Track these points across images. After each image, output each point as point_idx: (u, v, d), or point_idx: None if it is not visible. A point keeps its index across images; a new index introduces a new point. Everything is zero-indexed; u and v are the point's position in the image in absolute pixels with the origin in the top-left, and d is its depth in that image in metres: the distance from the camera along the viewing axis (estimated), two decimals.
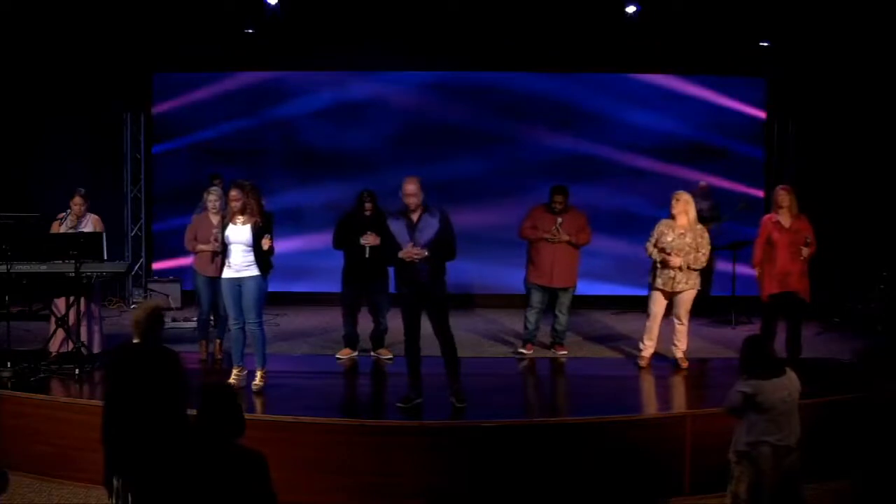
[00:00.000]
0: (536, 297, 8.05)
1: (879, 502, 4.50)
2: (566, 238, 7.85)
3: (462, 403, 6.25)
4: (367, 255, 7.61)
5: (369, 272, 7.71)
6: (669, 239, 7.35)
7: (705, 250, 7.42)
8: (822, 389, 6.47)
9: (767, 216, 7.50)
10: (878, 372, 4.52)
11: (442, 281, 6.32)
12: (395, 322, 8.10)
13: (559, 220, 7.87)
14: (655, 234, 7.45)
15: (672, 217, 7.44)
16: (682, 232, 7.37)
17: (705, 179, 10.03)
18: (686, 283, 7.40)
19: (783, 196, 7.34)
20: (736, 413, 4.90)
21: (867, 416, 5.24)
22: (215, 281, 7.31)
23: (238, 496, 3.63)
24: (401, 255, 6.17)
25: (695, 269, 7.40)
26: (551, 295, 8.09)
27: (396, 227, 6.26)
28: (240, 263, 6.56)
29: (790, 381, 4.86)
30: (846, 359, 7.77)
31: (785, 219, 7.30)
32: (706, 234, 7.50)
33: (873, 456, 4.50)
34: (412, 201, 6.22)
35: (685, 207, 7.42)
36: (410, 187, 6.22)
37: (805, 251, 7.17)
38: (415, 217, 6.24)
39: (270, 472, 3.80)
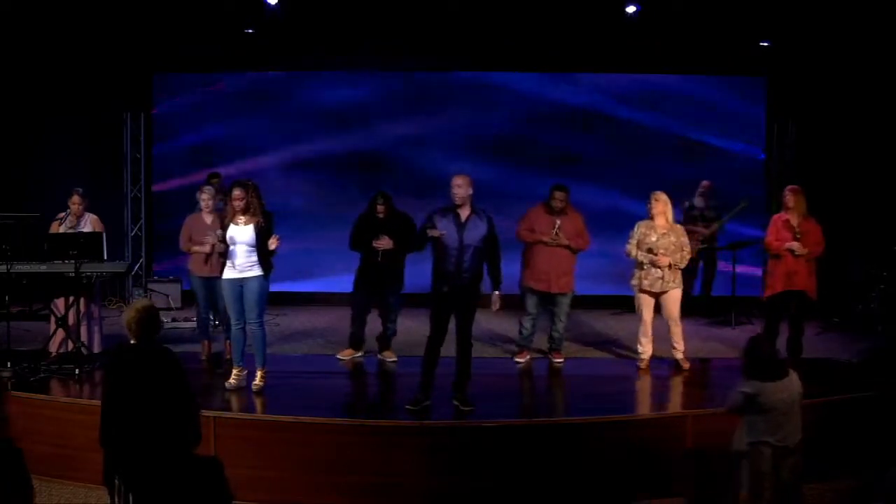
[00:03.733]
0: (532, 303, 7.87)
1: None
2: (565, 242, 7.64)
3: (467, 408, 6.21)
4: (379, 259, 7.59)
5: (383, 275, 7.69)
6: (654, 239, 7.37)
7: (688, 249, 7.51)
8: (822, 389, 6.48)
9: (777, 215, 7.51)
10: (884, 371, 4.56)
11: (479, 287, 6.32)
12: (402, 326, 8.10)
13: (558, 223, 7.64)
14: (636, 235, 7.46)
15: (651, 217, 7.46)
16: (665, 232, 7.40)
17: (707, 180, 10.03)
18: (673, 281, 7.43)
19: (789, 197, 7.36)
20: (737, 413, 4.91)
21: (880, 415, 5.24)
22: (210, 281, 7.32)
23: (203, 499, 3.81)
24: (430, 233, 6.17)
25: (679, 268, 7.45)
26: (548, 300, 7.88)
27: (443, 224, 6.21)
28: (243, 264, 6.54)
29: (791, 383, 4.87)
30: (847, 358, 7.77)
31: (794, 219, 7.30)
32: (685, 234, 7.59)
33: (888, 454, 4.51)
34: (458, 192, 6.18)
35: (664, 208, 7.45)
36: (459, 180, 6.22)
37: (796, 245, 7.16)
38: (463, 216, 6.22)
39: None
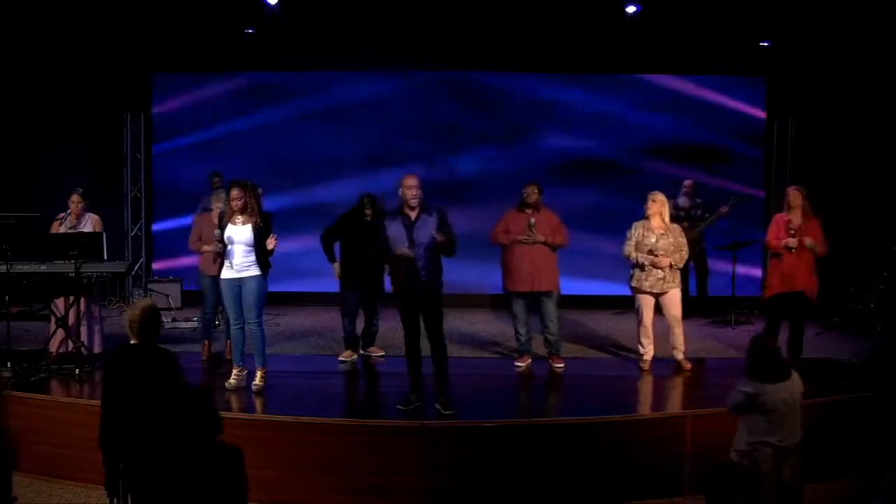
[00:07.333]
0: (519, 307, 7.68)
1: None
2: (541, 238, 7.45)
3: (448, 411, 6.13)
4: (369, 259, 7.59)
5: (369, 274, 7.71)
6: (653, 240, 7.34)
7: (686, 249, 7.47)
8: (822, 389, 6.47)
9: (779, 214, 7.48)
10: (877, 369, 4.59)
11: (439, 284, 6.24)
12: (386, 322, 8.11)
13: (532, 220, 7.43)
14: (634, 236, 7.42)
15: (646, 218, 7.43)
16: (663, 232, 7.38)
17: (691, 178, 10.03)
18: (673, 281, 7.42)
19: (794, 196, 7.32)
20: (738, 412, 4.91)
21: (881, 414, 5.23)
22: (219, 280, 7.31)
23: (219, 487, 3.92)
24: (398, 252, 6.06)
25: (678, 268, 7.44)
26: (533, 301, 7.67)
27: (394, 229, 6.16)
28: (241, 263, 6.53)
29: (793, 384, 4.88)
30: (848, 358, 7.77)
31: (796, 219, 7.29)
32: (683, 233, 7.56)
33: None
34: (413, 194, 6.10)
35: (660, 208, 7.41)
36: (411, 181, 6.14)
37: (792, 241, 7.15)
38: (413, 215, 6.15)
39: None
